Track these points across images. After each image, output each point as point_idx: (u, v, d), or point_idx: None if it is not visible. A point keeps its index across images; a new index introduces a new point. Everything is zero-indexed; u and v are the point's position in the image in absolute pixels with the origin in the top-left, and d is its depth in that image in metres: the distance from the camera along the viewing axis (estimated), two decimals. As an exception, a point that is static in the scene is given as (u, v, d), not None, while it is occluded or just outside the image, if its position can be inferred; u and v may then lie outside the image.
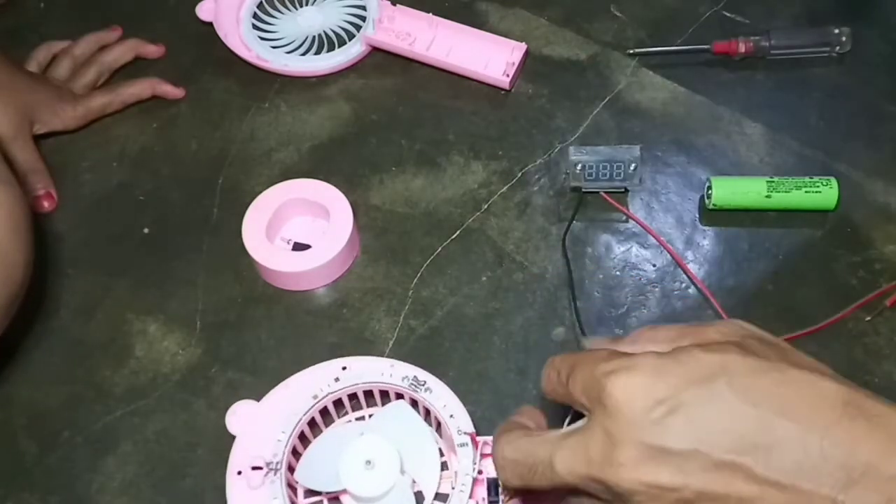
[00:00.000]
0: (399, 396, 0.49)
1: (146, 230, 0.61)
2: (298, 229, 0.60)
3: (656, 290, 0.56)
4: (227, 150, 0.64)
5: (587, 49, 0.68)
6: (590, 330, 0.54)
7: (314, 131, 0.65)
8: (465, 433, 0.46)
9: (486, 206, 0.60)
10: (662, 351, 0.34)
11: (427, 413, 0.49)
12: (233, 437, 0.51)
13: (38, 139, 0.63)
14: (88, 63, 0.67)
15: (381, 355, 0.54)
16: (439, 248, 0.59)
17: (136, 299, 0.57)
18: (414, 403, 0.49)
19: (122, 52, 0.69)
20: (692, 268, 0.56)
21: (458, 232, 0.59)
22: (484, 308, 0.56)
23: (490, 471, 0.46)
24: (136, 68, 0.69)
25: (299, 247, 0.58)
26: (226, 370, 0.54)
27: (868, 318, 0.54)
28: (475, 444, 0.46)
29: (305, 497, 0.48)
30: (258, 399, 0.49)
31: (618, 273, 0.57)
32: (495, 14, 0.71)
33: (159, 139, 0.65)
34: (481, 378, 0.53)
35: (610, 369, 0.33)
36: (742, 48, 0.65)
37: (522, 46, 0.66)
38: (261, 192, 0.58)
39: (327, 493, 0.47)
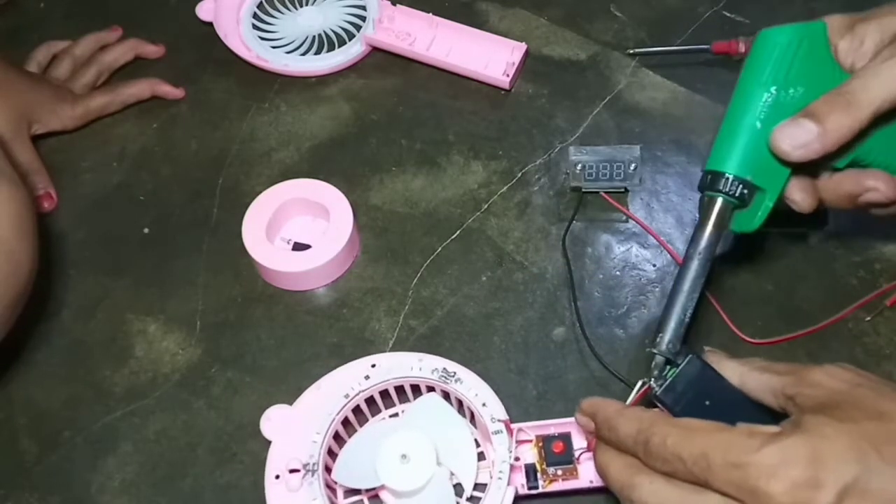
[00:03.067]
0: (430, 389, 0.49)
1: (146, 230, 0.61)
2: (298, 229, 0.60)
3: (656, 290, 0.56)
4: (227, 150, 0.64)
5: (587, 49, 0.68)
6: (590, 330, 0.54)
7: (314, 131, 0.65)
8: (499, 420, 0.47)
9: (486, 206, 0.60)
10: (778, 395, 0.38)
11: (460, 404, 0.49)
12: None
13: (37, 139, 0.63)
14: (88, 63, 0.67)
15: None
16: (439, 248, 0.59)
17: (136, 299, 0.57)
18: (445, 395, 0.49)
19: (122, 52, 0.69)
20: (692, 268, 0.56)
21: (458, 232, 0.59)
22: (484, 308, 0.56)
23: (529, 457, 0.47)
24: (136, 68, 0.69)
25: (299, 247, 0.58)
26: (226, 370, 0.54)
27: (868, 318, 0.54)
28: (510, 431, 0.46)
29: (345, 497, 0.48)
30: (290, 403, 0.49)
31: (618, 273, 0.57)
32: (495, 14, 0.71)
33: (159, 139, 0.65)
34: (481, 378, 0.53)
35: (761, 466, 0.33)
36: (742, 48, 0.64)
37: (522, 46, 0.66)
38: (261, 192, 0.58)
39: (366, 490, 0.48)
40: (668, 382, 0.42)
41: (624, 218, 0.59)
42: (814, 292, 0.55)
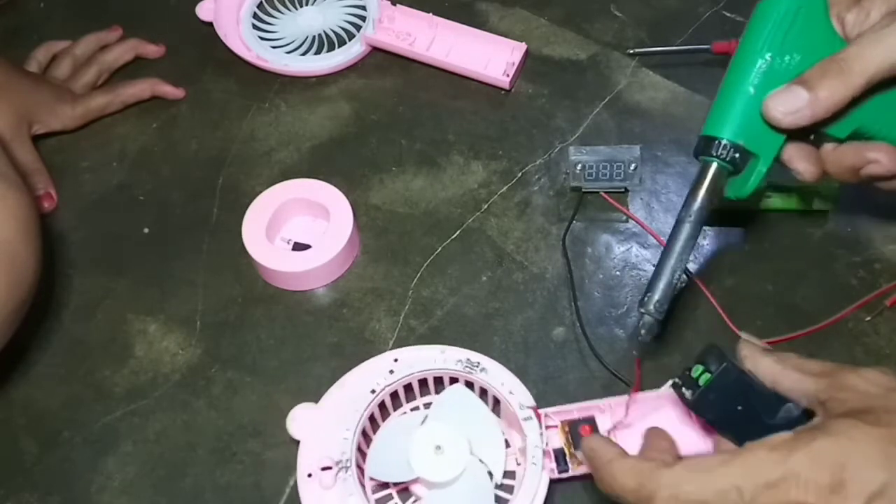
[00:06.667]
0: (453, 381, 0.49)
1: (146, 230, 0.61)
2: (298, 229, 0.60)
3: (656, 290, 0.56)
4: (227, 150, 0.64)
5: (587, 49, 0.68)
6: (590, 330, 0.54)
7: (314, 131, 0.65)
8: (527, 407, 0.47)
9: (486, 206, 0.60)
10: (812, 399, 0.37)
11: (482, 393, 0.49)
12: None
13: (37, 139, 0.63)
14: (88, 63, 0.67)
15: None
16: (439, 248, 0.59)
17: (136, 299, 0.57)
18: (468, 385, 0.49)
19: (122, 52, 0.69)
20: (692, 268, 0.56)
21: (458, 232, 0.59)
22: (484, 308, 0.56)
23: (555, 442, 0.47)
24: (136, 68, 0.69)
25: (299, 247, 0.58)
26: (226, 370, 0.54)
27: (868, 318, 0.54)
28: (538, 416, 0.47)
29: (374, 492, 0.48)
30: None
31: (618, 273, 0.57)
32: (495, 14, 0.71)
33: (159, 139, 0.65)
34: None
35: (794, 475, 0.33)
36: (742, 48, 0.65)
37: (522, 46, 0.66)
38: (261, 192, 0.58)
39: (399, 483, 0.48)
40: (700, 390, 0.41)
41: (624, 218, 0.59)
42: (814, 292, 0.55)
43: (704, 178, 0.43)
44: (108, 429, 0.52)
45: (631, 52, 0.67)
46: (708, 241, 0.58)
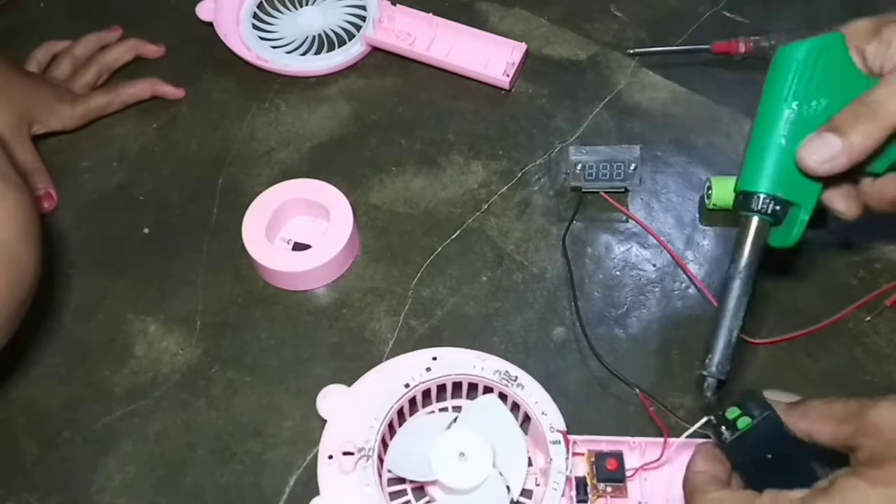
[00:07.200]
0: (488, 390, 0.49)
1: (146, 230, 0.61)
2: (298, 229, 0.60)
3: (656, 290, 0.56)
4: (227, 150, 0.64)
5: (587, 49, 0.68)
6: (590, 330, 0.54)
7: (314, 131, 0.65)
8: (557, 431, 0.47)
9: (486, 206, 0.60)
10: (844, 447, 0.38)
11: (514, 407, 0.49)
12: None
13: (37, 139, 0.63)
14: (88, 63, 0.67)
15: (382, 356, 0.54)
16: (439, 248, 0.59)
17: (136, 299, 0.57)
18: (502, 397, 0.49)
19: (122, 52, 0.69)
20: (692, 268, 0.56)
21: (458, 232, 0.59)
22: (484, 308, 0.56)
23: (578, 470, 0.47)
24: (136, 68, 0.69)
25: (299, 247, 0.58)
26: (226, 370, 0.54)
27: (868, 318, 0.54)
28: (567, 442, 0.46)
29: (390, 484, 0.48)
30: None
31: (618, 273, 0.57)
32: (495, 14, 0.71)
33: (159, 139, 0.65)
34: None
35: None
36: (742, 48, 0.65)
37: (522, 46, 0.66)
38: (261, 192, 0.58)
39: (417, 481, 0.48)
40: (739, 433, 0.41)
41: (624, 218, 0.59)
42: (814, 292, 0.55)
43: (747, 233, 0.43)
44: (108, 429, 0.52)
45: (631, 52, 0.67)
46: (708, 241, 0.58)
